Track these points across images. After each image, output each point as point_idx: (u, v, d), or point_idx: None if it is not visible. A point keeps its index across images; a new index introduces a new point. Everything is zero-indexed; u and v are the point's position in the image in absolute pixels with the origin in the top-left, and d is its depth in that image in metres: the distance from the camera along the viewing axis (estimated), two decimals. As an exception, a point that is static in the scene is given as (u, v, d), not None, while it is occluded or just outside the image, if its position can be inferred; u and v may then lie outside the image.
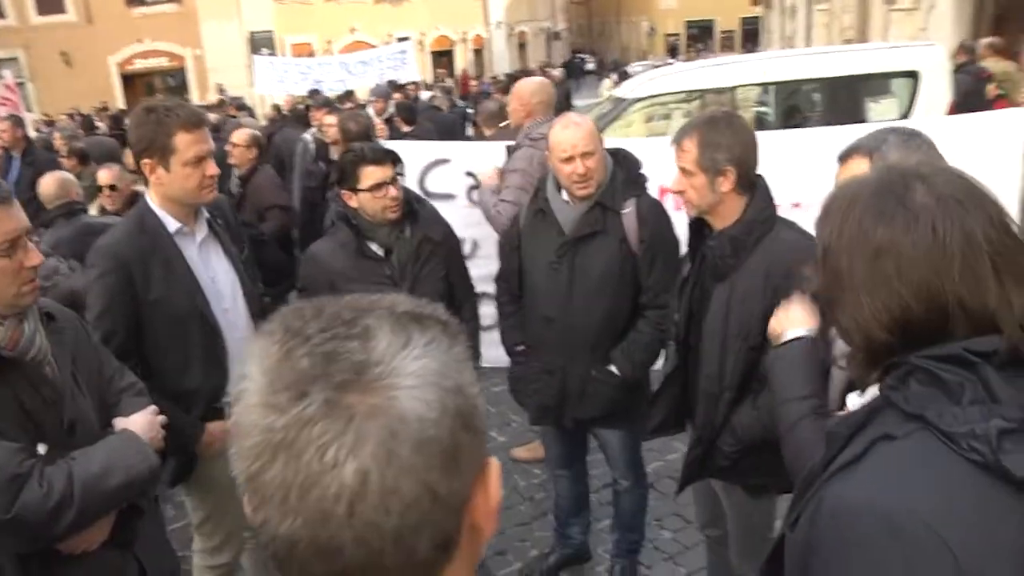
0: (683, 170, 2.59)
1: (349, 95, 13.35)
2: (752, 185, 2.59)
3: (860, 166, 2.03)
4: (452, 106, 11.54)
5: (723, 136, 2.52)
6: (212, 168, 2.78)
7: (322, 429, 0.66)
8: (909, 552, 1.02)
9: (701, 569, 3.73)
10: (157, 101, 2.78)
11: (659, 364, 3.35)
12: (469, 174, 4.74)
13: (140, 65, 29.79)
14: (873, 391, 1.26)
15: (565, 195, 3.24)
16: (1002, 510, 1.03)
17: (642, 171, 3.30)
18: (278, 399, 0.68)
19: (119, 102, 26.48)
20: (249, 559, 3.38)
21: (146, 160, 2.69)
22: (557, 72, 22.42)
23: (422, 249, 3.27)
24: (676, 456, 4.86)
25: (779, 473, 2.54)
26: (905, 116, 6.88)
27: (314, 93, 12.18)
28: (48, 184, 4.68)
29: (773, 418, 2.30)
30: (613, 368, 3.28)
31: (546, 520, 4.22)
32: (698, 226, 2.74)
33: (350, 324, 0.72)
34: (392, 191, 3.16)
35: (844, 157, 2.16)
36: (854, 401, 1.33)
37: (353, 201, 3.21)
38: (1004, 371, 1.08)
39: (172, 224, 2.79)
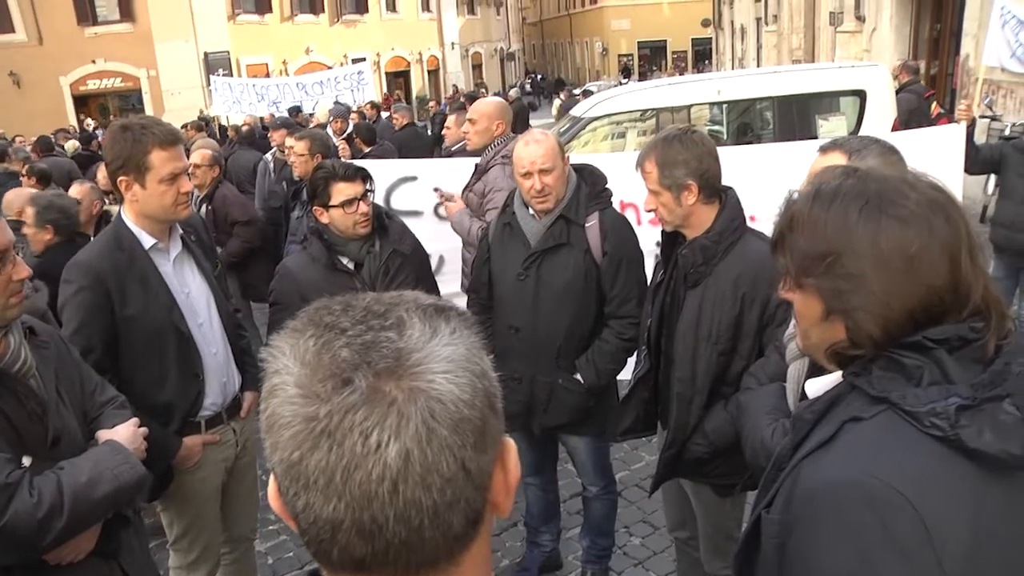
0: (650, 190, 2.71)
1: (299, 112, 13.37)
2: (719, 194, 2.71)
3: (836, 161, 2.16)
4: (411, 124, 11.56)
5: (679, 153, 2.65)
6: (187, 185, 2.82)
7: (365, 413, 0.70)
8: (884, 519, 1.12)
9: (670, 573, 3.83)
10: (133, 119, 2.82)
11: (627, 373, 3.44)
12: (436, 190, 4.81)
13: (93, 86, 29.26)
14: (831, 378, 1.37)
15: (531, 209, 3.33)
16: (958, 476, 1.15)
17: (607, 186, 3.41)
18: (320, 388, 0.71)
19: (74, 124, 26.05)
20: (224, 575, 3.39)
21: (122, 177, 2.72)
22: (513, 92, 22.66)
23: (391, 262, 3.34)
24: (642, 465, 4.97)
25: (747, 471, 2.66)
26: (854, 133, 7.13)
27: (296, 112, 12.20)
28: (9, 198, 4.72)
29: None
30: (579, 376, 3.37)
31: (516, 530, 4.28)
32: (672, 234, 2.85)
33: (383, 316, 0.76)
34: (362, 207, 3.23)
35: (826, 149, 2.30)
36: (814, 387, 1.43)
37: (324, 217, 3.27)
38: (954, 355, 1.20)
39: (147, 240, 2.82)
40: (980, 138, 6.97)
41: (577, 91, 29.96)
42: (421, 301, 0.80)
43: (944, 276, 1.22)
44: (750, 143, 7.67)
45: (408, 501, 0.71)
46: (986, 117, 9.40)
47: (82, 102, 29.19)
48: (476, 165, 4.51)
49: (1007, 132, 8.83)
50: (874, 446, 1.20)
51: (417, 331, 0.75)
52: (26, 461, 2.01)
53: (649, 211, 2.80)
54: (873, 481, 1.14)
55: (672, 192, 2.65)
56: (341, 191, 3.21)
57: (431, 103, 19.85)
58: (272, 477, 0.78)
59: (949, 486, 1.15)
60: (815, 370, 1.98)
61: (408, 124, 10.58)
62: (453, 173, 5.10)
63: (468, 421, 0.73)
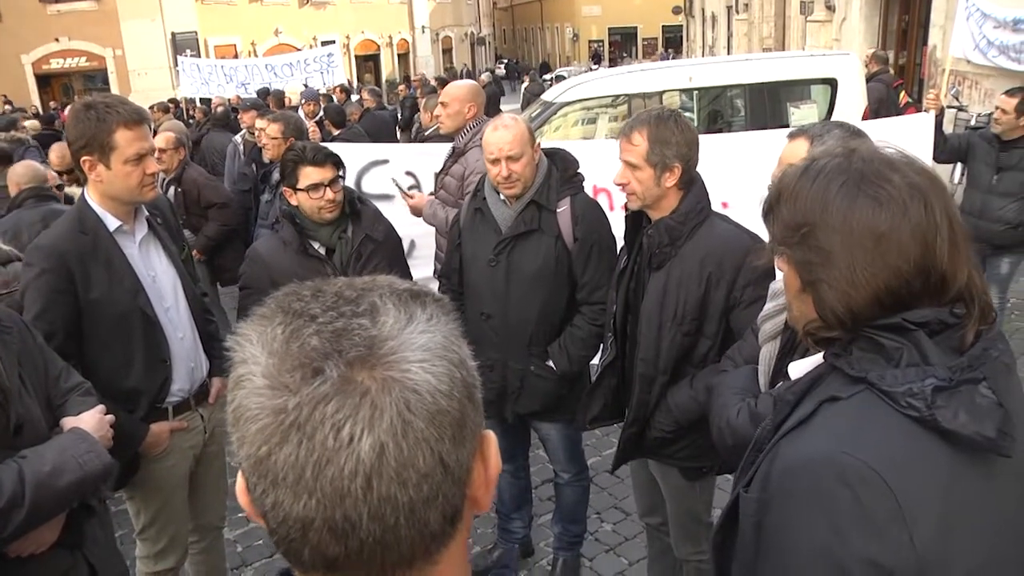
0: (628, 163, 2.67)
1: (268, 93, 13.19)
2: (691, 182, 2.70)
3: (801, 147, 2.18)
4: (379, 107, 11.47)
5: (673, 133, 2.63)
6: (153, 166, 2.75)
7: (336, 405, 0.66)
8: (859, 495, 1.14)
9: (642, 559, 3.84)
10: (96, 97, 2.74)
11: (596, 360, 3.44)
12: (409, 173, 4.76)
13: (56, 65, 28.60)
14: (813, 360, 1.38)
15: (501, 194, 3.30)
16: (933, 456, 1.17)
17: (579, 171, 3.39)
18: (289, 379, 0.68)
19: (36, 103, 25.53)
20: (193, 565, 3.34)
21: (86, 157, 2.65)
22: (484, 76, 22.52)
23: (363, 249, 3.29)
24: (612, 451, 4.93)
25: (716, 455, 2.67)
26: (825, 121, 7.17)
27: (265, 94, 12.04)
28: (19, 168, 4.80)
29: (708, 397, 2.43)
30: (551, 363, 3.35)
31: (488, 516, 4.27)
32: (636, 219, 2.84)
33: (355, 302, 0.73)
34: (329, 193, 3.17)
35: (793, 135, 2.31)
36: (796, 369, 1.43)
37: (293, 199, 3.23)
38: (933, 338, 1.21)
39: (112, 222, 2.75)
40: (947, 128, 7.05)
41: (549, 76, 29.90)
42: (396, 286, 0.77)
43: (914, 260, 1.23)
44: (720, 131, 7.69)
45: (383, 498, 0.67)
46: (952, 107, 9.52)
47: (45, 81, 28.58)
48: (453, 148, 4.47)
49: (972, 122, 8.96)
50: (851, 425, 1.21)
51: (391, 318, 0.72)
52: (-14, 449, 1.96)
53: (618, 184, 2.75)
54: (848, 459, 1.16)
55: (656, 170, 2.63)
56: (308, 175, 3.15)
57: (400, 87, 19.55)
58: (240, 473, 0.75)
59: (923, 466, 1.17)
60: (787, 351, 1.99)
61: (365, 111, 10.53)
62: (425, 157, 5.06)
63: (446, 413, 0.70)
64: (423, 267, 4.73)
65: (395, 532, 0.69)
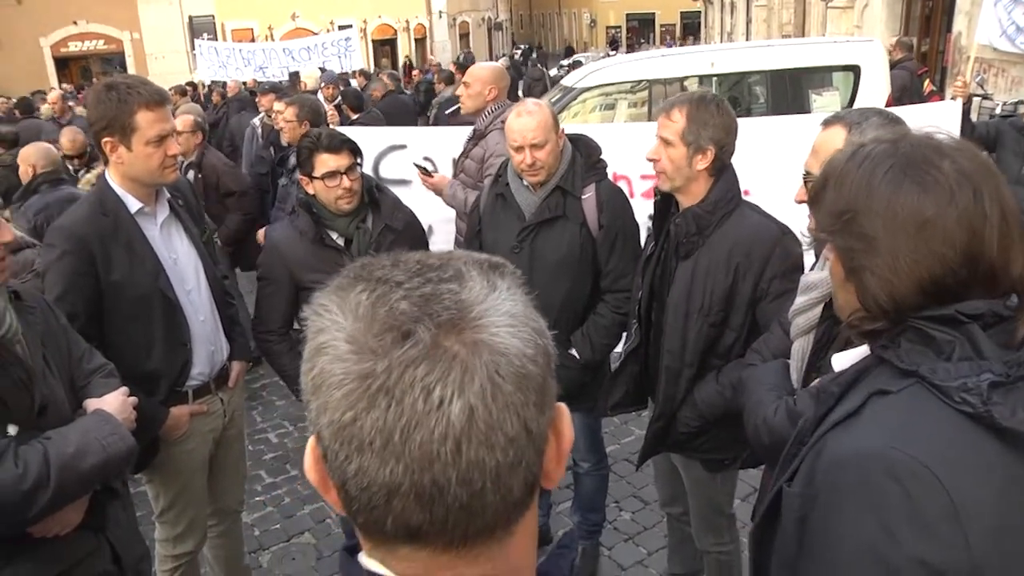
0: (664, 140, 2.63)
1: (296, 77, 13.19)
2: (723, 169, 2.66)
3: (838, 134, 2.11)
4: (399, 91, 11.44)
5: (713, 116, 2.59)
6: (174, 147, 2.73)
7: (427, 368, 0.66)
8: (910, 491, 1.10)
9: (661, 548, 3.82)
10: (118, 78, 2.73)
11: (619, 347, 3.41)
12: (427, 159, 4.73)
13: (75, 48, 28.77)
14: (858, 351, 1.34)
15: (525, 180, 3.26)
16: (988, 453, 1.12)
17: (602, 157, 3.34)
18: (376, 343, 0.68)
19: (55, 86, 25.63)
20: (211, 549, 3.34)
21: (107, 139, 2.62)
22: (503, 61, 22.45)
23: (382, 239, 3.20)
24: (632, 439, 4.96)
25: (739, 447, 2.64)
26: (848, 108, 7.07)
27: (294, 77, 12.08)
28: (31, 152, 4.78)
29: (735, 392, 2.39)
30: (573, 351, 3.32)
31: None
32: (665, 204, 2.79)
33: (441, 269, 0.74)
34: (345, 182, 3.08)
35: (828, 122, 2.24)
36: (840, 361, 1.39)
37: (310, 187, 3.16)
38: (988, 331, 1.16)
39: (133, 204, 2.73)
40: (972, 116, 6.94)
41: (567, 61, 29.78)
42: (474, 256, 0.78)
43: (960, 248, 1.19)
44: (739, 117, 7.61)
45: (471, 462, 0.67)
46: (977, 95, 9.38)
47: (63, 64, 28.72)
48: (474, 130, 4.42)
49: (998, 111, 8.82)
50: (901, 419, 1.17)
51: (478, 284, 0.73)
52: (12, 430, 1.95)
53: (650, 160, 2.71)
54: (899, 454, 1.12)
55: (689, 150, 2.59)
56: (324, 162, 3.06)
57: (415, 71, 19.45)
58: (311, 444, 0.75)
59: (977, 463, 1.12)
60: (821, 346, 1.95)
61: (387, 92, 10.50)
62: (444, 141, 5.02)
63: (531, 378, 0.70)
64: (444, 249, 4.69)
65: (481, 498, 0.69)
